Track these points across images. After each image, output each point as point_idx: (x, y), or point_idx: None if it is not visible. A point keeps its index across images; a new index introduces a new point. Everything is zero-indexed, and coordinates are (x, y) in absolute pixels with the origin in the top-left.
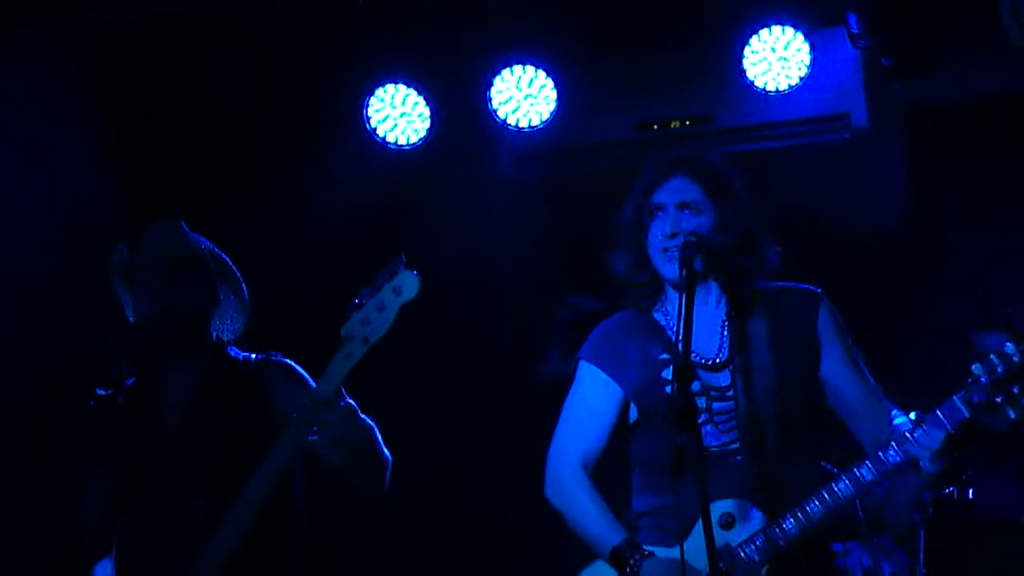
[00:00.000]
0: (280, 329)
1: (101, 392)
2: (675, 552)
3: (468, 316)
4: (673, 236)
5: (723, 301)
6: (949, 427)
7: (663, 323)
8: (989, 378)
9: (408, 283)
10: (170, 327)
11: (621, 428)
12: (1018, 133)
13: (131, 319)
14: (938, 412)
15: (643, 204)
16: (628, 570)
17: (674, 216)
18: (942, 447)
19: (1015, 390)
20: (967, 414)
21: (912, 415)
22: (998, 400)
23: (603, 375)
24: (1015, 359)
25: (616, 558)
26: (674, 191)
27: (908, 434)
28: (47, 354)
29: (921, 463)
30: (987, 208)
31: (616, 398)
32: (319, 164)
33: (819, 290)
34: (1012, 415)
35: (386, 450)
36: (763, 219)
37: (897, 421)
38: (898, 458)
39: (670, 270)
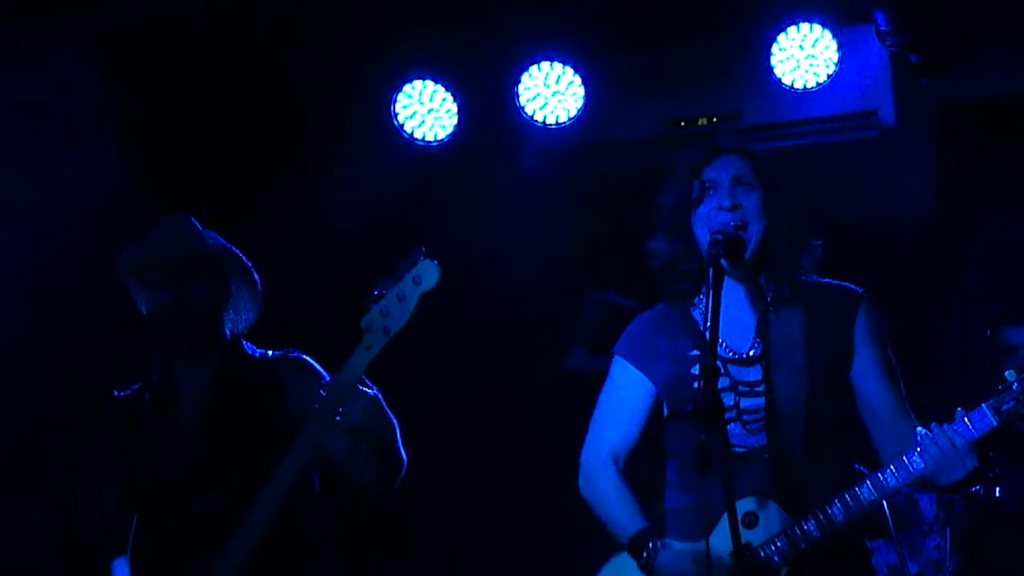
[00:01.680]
0: (304, 325)
1: (118, 393)
2: (697, 546)
3: (493, 311)
4: (734, 208)
5: (761, 294)
6: (976, 435)
7: (698, 319)
8: (1020, 385)
9: (428, 272)
10: (183, 325)
11: (655, 422)
12: None
13: (145, 316)
14: (966, 419)
15: (691, 183)
16: (644, 558)
17: (730, 190)
18: (969, 459)
19: None
20: (995, 422)
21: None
22: None
23: (635, 370)
24: None
25: (633, 546)
26: (726, 166)
27: (935, 441)
28: (64, 351)
29: (944, 473)
30: (1014, 205)
31: (648, 393)
32: (346, 160)
33: (862, 290)
34: None
35: (403, 450)
36: (804, 210)
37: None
38: (923, 465)
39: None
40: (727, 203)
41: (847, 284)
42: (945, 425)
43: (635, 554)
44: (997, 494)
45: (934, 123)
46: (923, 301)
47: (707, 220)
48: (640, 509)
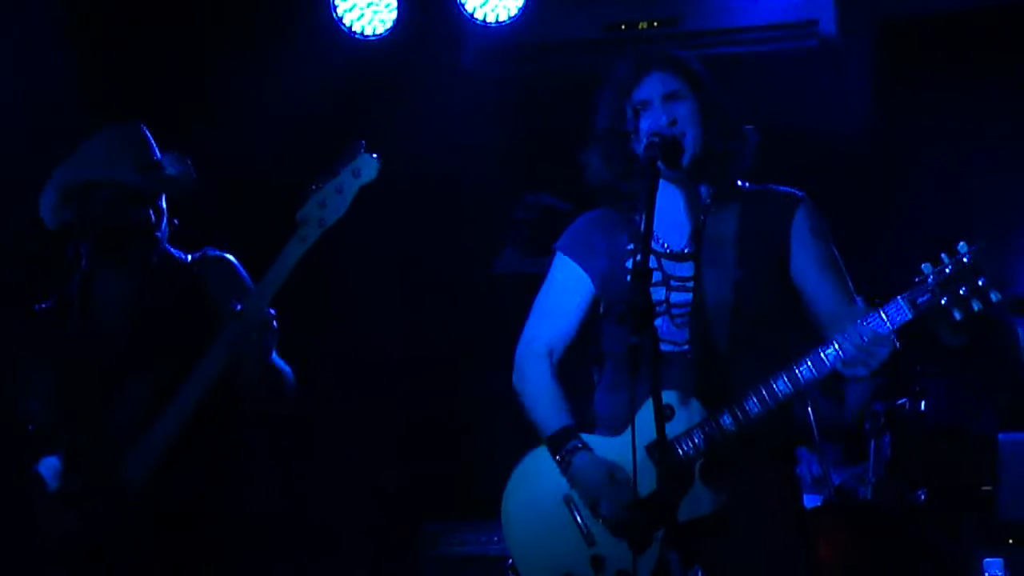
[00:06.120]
0: (238, 216)
1: (38, 306)
2: (613, 444)
3: (427, 208)
4: (671, 125)
5: (699, 195)
6: (891, 327)
7: (638, 221)
8: (936, 278)
9: (367, 165)
10: (125, 243)
11: (593, 321)
12: (986, 47)
13: (55, 221)
14: (881, 312)
15: (623, 106)
16: (560, 457)
17: (664, 107)
18: (883, 347)
19: (962, 291)
20: (911, 315)
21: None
22: (943, 302)
23: (574, 265)
24: (965, 259)
25: (552, 444)
26: (657, 84)
27: (849, 335)
28: None
29: (859, 368)
30: (953, 120)
31: (586, 289)
32: (284, 52)
33: (802, 193)
34: (958, 316)
35: (283, 363)
36: (737, 110)
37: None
38: (837, 357)
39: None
40: (663, 120)
41: (788, 188)
42: (860, 318)
43: (552, 451)
44: (923, 407)
45: (875, 36)
46: (857, 213)
47: (646, 138)
48: (567, 407)
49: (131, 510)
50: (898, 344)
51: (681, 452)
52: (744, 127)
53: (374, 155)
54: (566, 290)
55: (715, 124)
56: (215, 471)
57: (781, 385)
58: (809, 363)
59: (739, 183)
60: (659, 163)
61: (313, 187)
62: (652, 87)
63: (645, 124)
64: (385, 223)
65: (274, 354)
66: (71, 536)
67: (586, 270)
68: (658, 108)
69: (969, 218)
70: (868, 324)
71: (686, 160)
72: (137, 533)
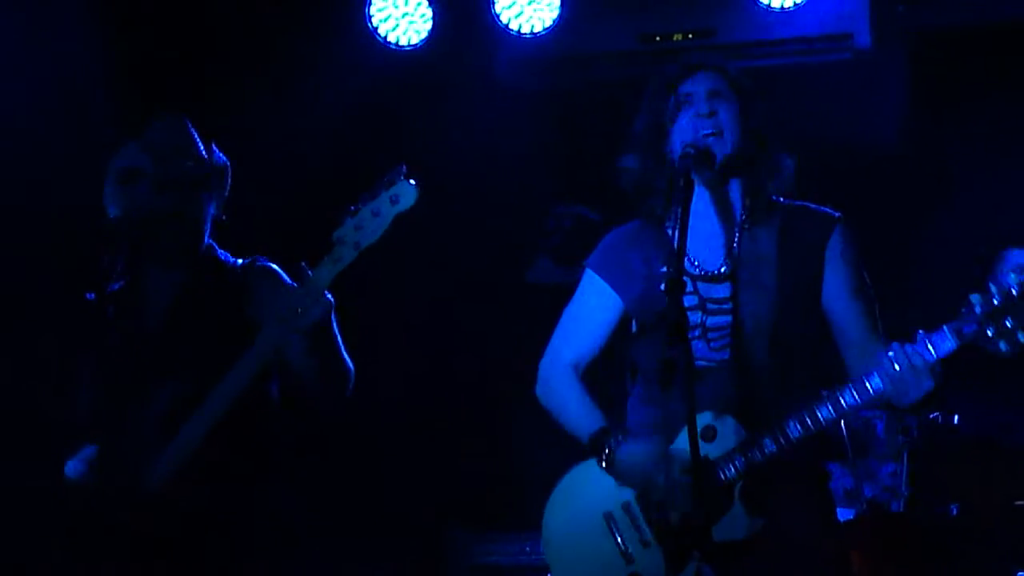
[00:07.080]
0: (272, 227)
1: (90, 296)
2: (657, 445)
3: (460, 217)
4: (711, 115)
5: (735, 212)
6: (937, 356)
7: (671, 236)
8: (983, 308)
9: (406, 193)
10: (172, 237)
11: (620, 337)
12: (1020, 58)
13: (112, 213)
14: (927, 341)
15: (667, 99)
16: (606, 454)
17: (707, 100)
18: (927, 379)
19: (1008, 323)
20: (955, 344)
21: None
22: (990, 333)
23: (604, 284)
24: (1014, 291)
25: (594, 444)
26: (703, 81)
27: (894, 362)
28: (37, 244)
29: (902, 394)
30: (988, 133)
31: (615, 309)
32: (319, 62)
33: (839, 214)
34: (1004, 348)
35: (349, 360)
36: (778, 127)
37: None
38: (881, 386)
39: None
40: (704, 110)
41: (825, 208)
42: (906, 346)
43: (596, 452)
44: (956, 421)
45: (909, 49)
46: (891, 227)
47: (684, 131)
48: (599, 410)
49: (143, 514)
50: (943, 381)
51: (723, 476)
52: (786, 155)
53: (413, 182)
54: (594, 309)
55: (755, 134)
56: (236, 480)
57: (824, 412)
58: (853, 390)
59: (775, 198)
60: (693, 174)
61: (351, 208)
62: (699, 82)
63: (688, 113)
64: (418, 232)
65: (342, 348)
66: (79, 529)
67: (616, 289)
68: (701, 100)
69: (1006, 230)
70: (913, 353)
71: (719, 162)
72: (146, 538)
